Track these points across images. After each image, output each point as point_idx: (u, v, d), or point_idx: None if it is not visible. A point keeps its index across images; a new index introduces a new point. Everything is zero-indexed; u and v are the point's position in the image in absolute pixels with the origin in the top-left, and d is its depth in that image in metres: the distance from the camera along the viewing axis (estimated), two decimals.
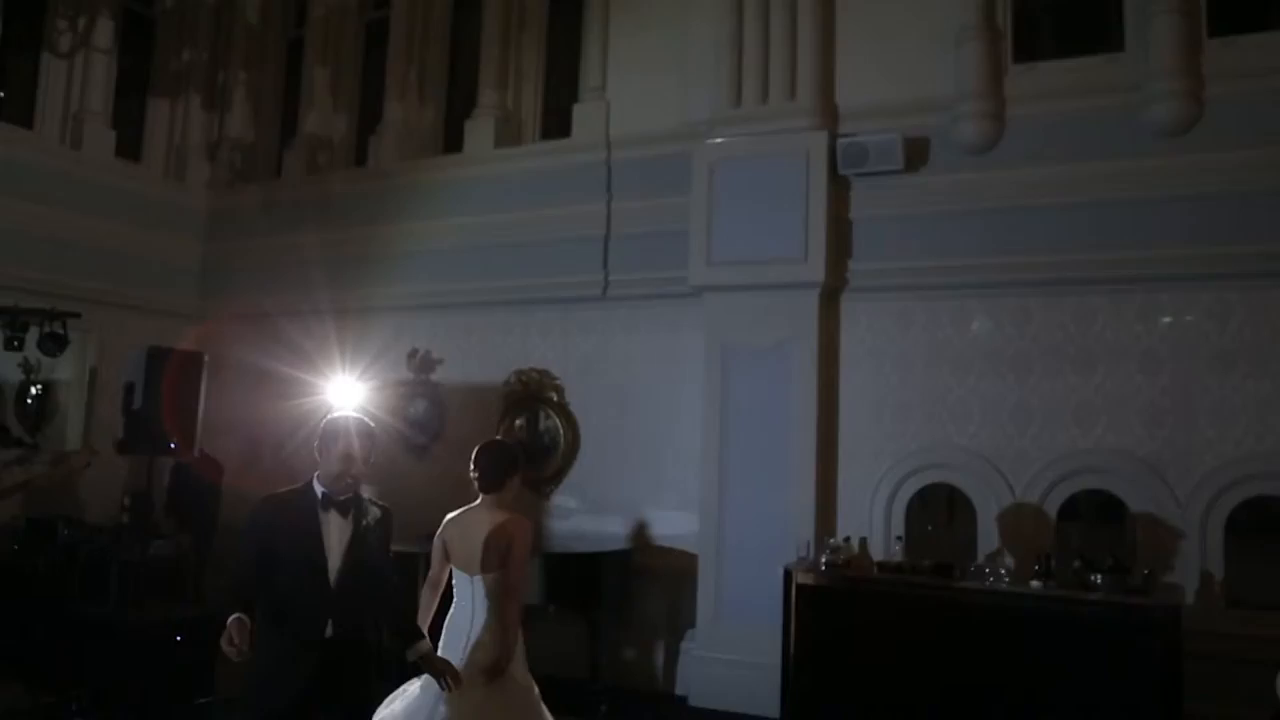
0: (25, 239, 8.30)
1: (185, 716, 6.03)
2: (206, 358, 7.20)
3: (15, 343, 7.65)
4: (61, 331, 7.76)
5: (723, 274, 7.06)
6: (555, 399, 7.93)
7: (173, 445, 6.88)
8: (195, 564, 8.17)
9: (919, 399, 6.71)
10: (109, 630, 6.43)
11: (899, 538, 6.17)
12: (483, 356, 8.34)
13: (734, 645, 6.71)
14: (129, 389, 6.76)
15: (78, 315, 7.89)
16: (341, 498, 3.67)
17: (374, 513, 3.76)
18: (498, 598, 4.08)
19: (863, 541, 5.80)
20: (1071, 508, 6.22)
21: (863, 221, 6.91)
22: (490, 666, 3.99)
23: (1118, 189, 6.18)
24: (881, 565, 5.80)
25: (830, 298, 6.94)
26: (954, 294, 6.64)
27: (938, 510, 6.59)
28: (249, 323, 9.53)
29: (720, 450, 6.97)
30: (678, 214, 7.33)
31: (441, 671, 3.72)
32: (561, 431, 7.87)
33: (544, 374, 8.00)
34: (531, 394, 8.01)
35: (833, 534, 6.33)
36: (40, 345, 7.77)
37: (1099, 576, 5.29)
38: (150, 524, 7.34)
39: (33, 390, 10.39)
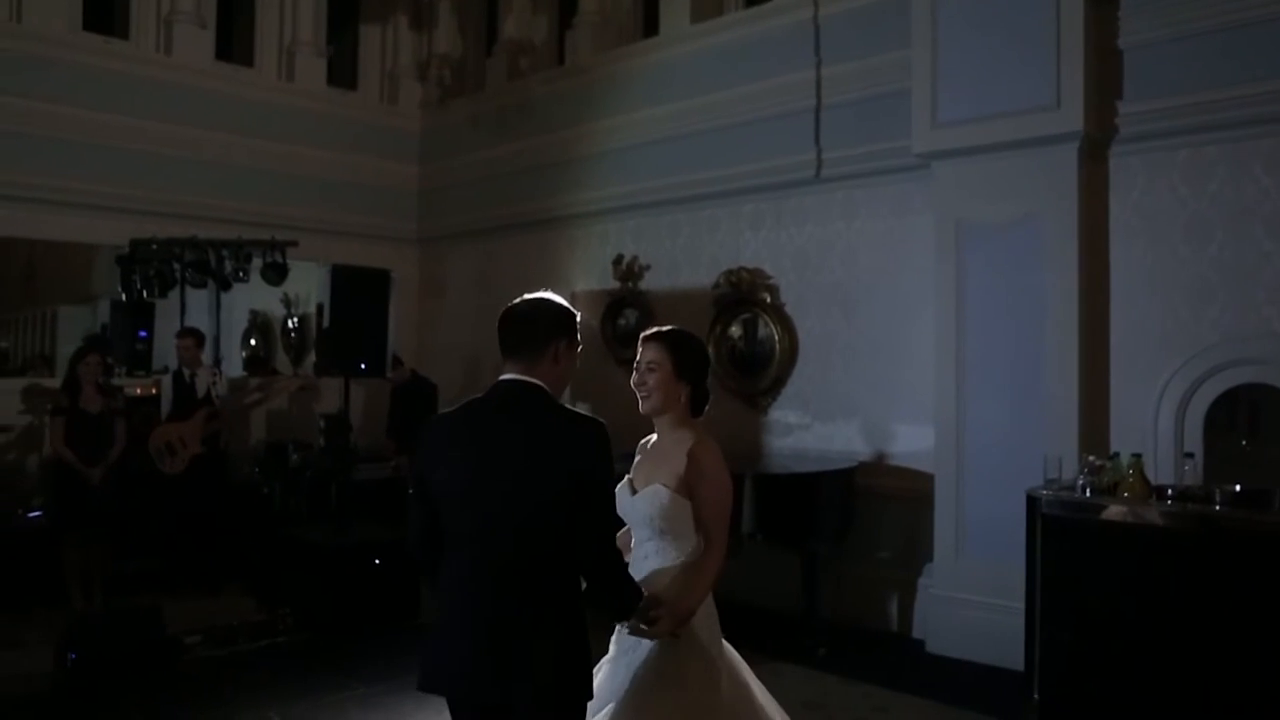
0: (245, 173, 8.51)
1: (388, 639, 5.89)
2: (394, 275, 6.98)
3: (241, 274, 7.85)
4: (281, 260, 7.87)
5: (952, 136, 5.75)
6: (768, 300, 6.99)
7: (363, 366, 6.75)
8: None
9: (1222, 275, 5.13)
10: (318, 551, 6.45)
11: (1188, 455, 4.74)
12: (690, 258, 7.56)
13: (979, 584, 5.60)
14: (318, 310, 6.67)
15: (295, 244, 7.96)
16: None
17: None
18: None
19: (1136, 460, 4.47)
20: None
21: (1136, 49, 5.33)
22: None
23: None
24: (1163, 491, 4.44)
25: (1093, 153, 5.45)
26: (1272, 130, 4.96)
27: (1243, 421, 5.04)
28: (463, 242, 9.38)
29: (957, 350, 5.77)
30: (897, 71, 6.09)
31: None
32: (776, 337, 6.94)
33: (755, 273, 7.08)
34: (743, 296, 7.13)
35: (1103, 450, 5.00)
36: (263, 275, 7.94)
37: None
38: (351, 447, 7.30)
39: (289, 324, 10.97)
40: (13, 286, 12.33)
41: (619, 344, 7.94)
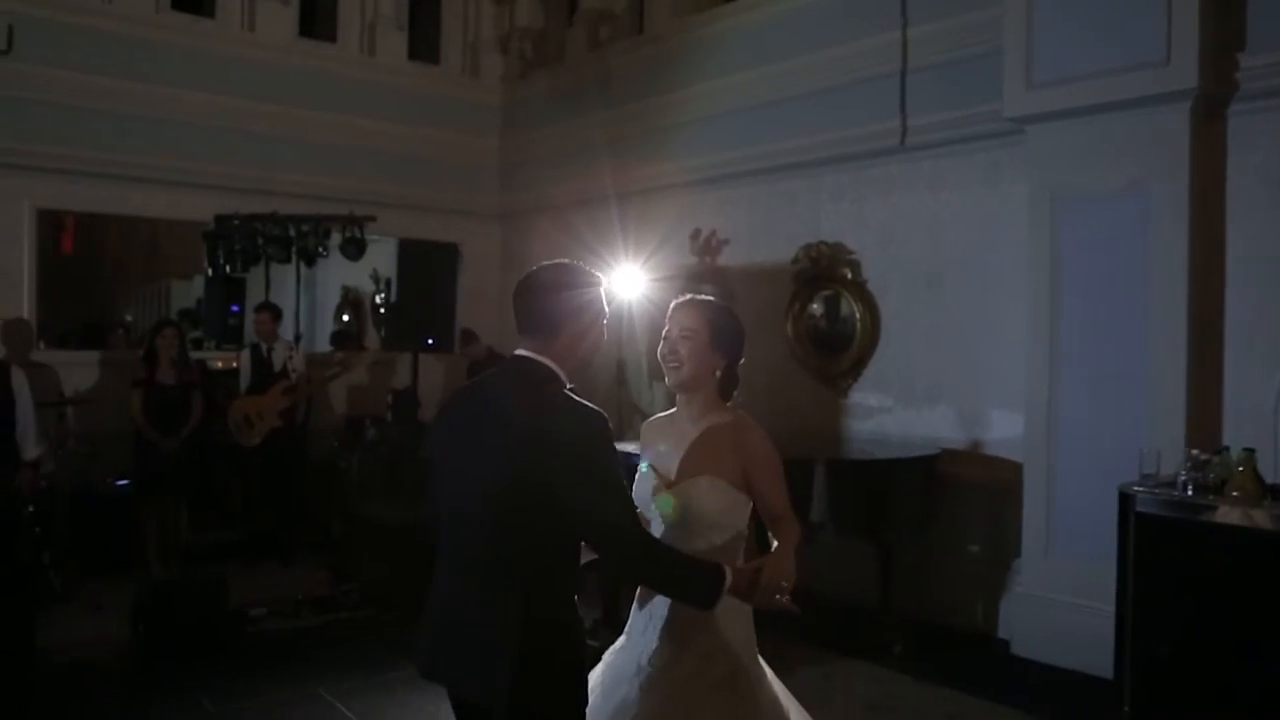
0: (327, 148, 8.53)
1: None
2: (462, 249, 6.87)
3: (320, 249, 7.88)
4: (359, 235, 7.87)
5: (1049, 98, 5.28)
6: (849, 276, 6.63)
7: (430, 341, 6.67)
8: None
9: None
10: (383, 528, 6.43)
11: None
12: (770, 233, 7.23)
13: (1070, 583, 5.18)
14: (386, 285, 6.62)
15: (373, 219, 7.94)
16: None
17: None
18: None
19: (1249, 456, 4.00)
20: None
21: None
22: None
23: None
24: (1278, 491, 3.97)
25: (1209, 112, 4.92)
26: None
27: None
28: (543, 216, 9.24)
29: (1052, 331, 5.33)
30: (988, 30, 5.63)
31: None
32: (857, 315, 6.58)
33: (835, 247, 6.71)
34: (822, 272, 6.78)
35: (1212, 445, 4.52)
36: (341, 250, 7.94)
37: None
38: (420, 422, 7.25)
39: (377, 299, 11.06)
40: (137, 262, 12.82)
41: None
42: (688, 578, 2.33)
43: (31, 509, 6.28)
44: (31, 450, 5.83)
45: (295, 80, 8.42)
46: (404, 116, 8.95)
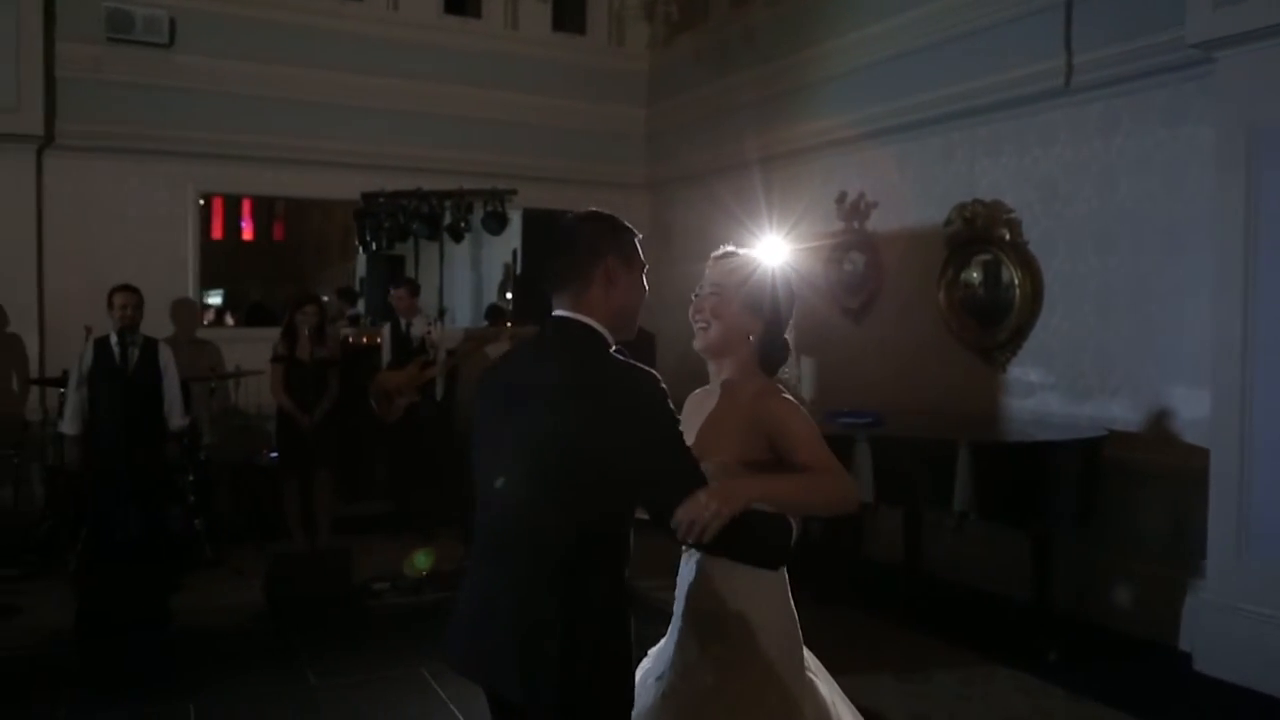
0: (470, 124, 8.52)
1: None
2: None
3: (463, 224, 7.89)
4: (501, 209, 7.82)
5: (1244, 16, 4.43)
6: (1007, 237, 5.93)
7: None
8: None
9: None
10: None
11: None
12: (920, 193, 6.61)
13: (1268, 593, 4.40)
14: (513, 256, 6.48)
15: (514, 193, 7.89)
16: None
17: None
18: None
19: None
20: None
21: None
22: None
23: None
24: None
25: None
26: None
27: None
28: (689, 185, 8.92)
29: (1245, 295, 4.52)
30: None
31: None
32: (1016, 280, 5.88)
33: (992, 206, 6.03)
34: (977, 234, 6.11)
35: None
36: (484, 224, 7.93)
37: None
38: None
39: (517, 273, 11.08)
40: (335, 242, 13.45)
41: (845, 292, 7.17)
42: (754, 535, 2.04)
43: (191, 478, 6.62)
44: (177, 421, 6.11)
45: (439, 57, 8.45)
46: (548, 88, 8.83)
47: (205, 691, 4.39)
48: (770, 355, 2.28)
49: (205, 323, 8.60)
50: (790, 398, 2.21)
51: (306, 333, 6.53)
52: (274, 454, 7.31)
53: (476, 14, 8.94)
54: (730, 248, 2.34)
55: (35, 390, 7.12)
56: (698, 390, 2.46)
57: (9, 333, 7.08)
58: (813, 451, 2.13)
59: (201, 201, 8.09)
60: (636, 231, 2.19)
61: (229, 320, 11.38)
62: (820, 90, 7.28)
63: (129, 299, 5.90)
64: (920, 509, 5.66)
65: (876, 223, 6.94)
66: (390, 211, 7.87)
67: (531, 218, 6.51)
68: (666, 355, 8.76)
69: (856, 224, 7.05)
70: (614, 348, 2.08)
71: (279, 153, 7.89)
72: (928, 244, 6.42)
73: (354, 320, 9.80)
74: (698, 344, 2.30)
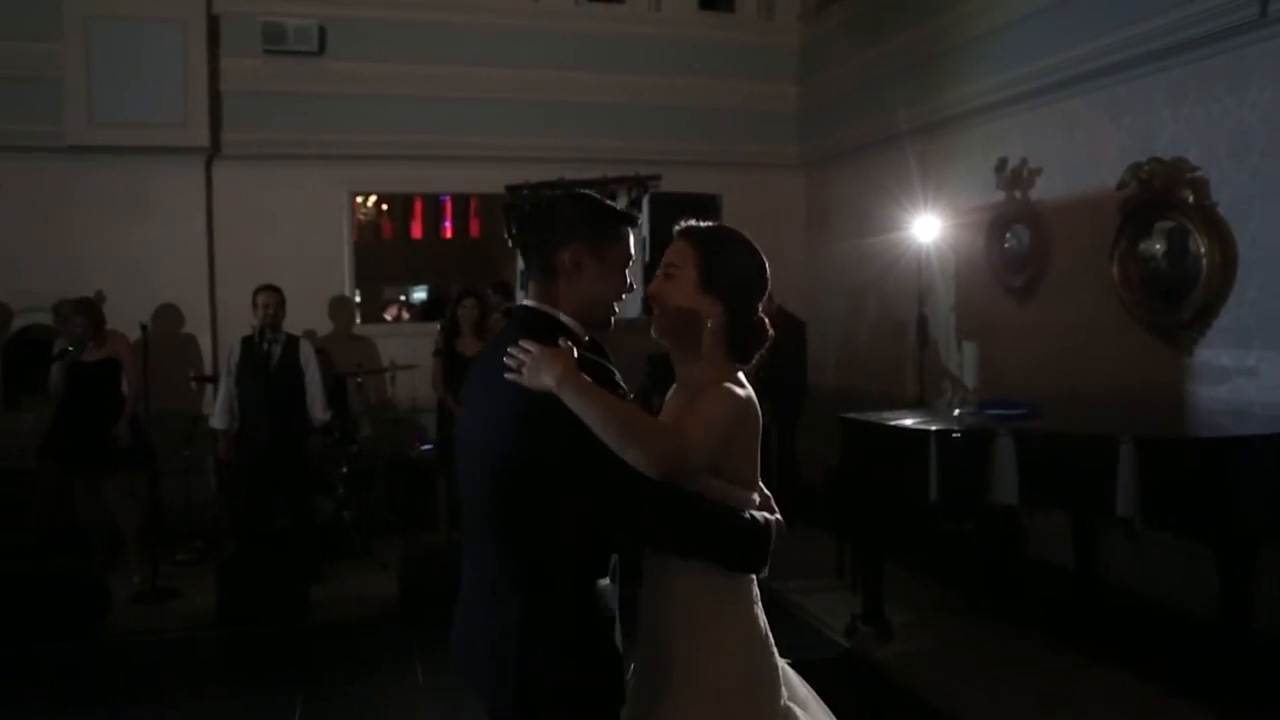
0: (612, 110, 8.40)
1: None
2: (722, 198, 6.33)
3: None
4: (644, 196, 7.64)
5: None
6: (1190, 200, 5.15)
7: None
8: (777, 435, 7.50)
9: None
10: None
11: None
12: (1090, 155, 5.88)
13: None
14: (642, 245, 6.27)
15: (658, 178, 7.69)
16: None
17: None
18: None
19: None
20: None
21: None
22: None
23: None
24: None
25: None
26: None
27: None
28: (842, 164, 8.42)
29: None
30: None
31: None
32: (1203, 249, 5.09)
33: (1173, 165, 5.25)
34: (1155, 197, 5.34)
35: None
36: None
37: None
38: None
39: (646, 261, 10.85)
40: None
41: (1007, 270, 6.52)
42: (721, 532, 1.89)
43: (344, 470, 6.83)
44: (319, 415, 6.28)
45: (580, 44, 8.37)
46: (695, 69, 8.56)
47: (318, 685, 4.45)
48: (740, 341, 1.98)
49: (389, 317, 8.87)
50: (738, 390, 1.90)
51: (469, 326, 6.57)
52: (425, 447, 7.45)
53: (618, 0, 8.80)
54: (692, 222, 2.04)
55: (209, 387, 7.56)
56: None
57: (184, 333, 7.57)
58: (688, 421, 1.85)
59: (384, 206, 8.37)
60: (632, 219, 2.03)
61: (405, 315, 11.83)
62: (977, 49, 6.64)
63: (270, 298, 6.12)
64: (1077, 513, 5.02)
65: (1041, 191, 6.25)
66: (535, 203, 7.86)
67: (664, 203, 6.28)
68: (825, 343, 8.37)
69: (1018, 193, 6.38)
70: (586, 340, 1.95)
71: (425, 150, 8.03)
72: (1098, 212, 5.70)
73: (507, 313, 9.90)
74: (654, 330, 2.03)
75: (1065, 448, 4.34)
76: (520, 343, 1.82)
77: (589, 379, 1.78)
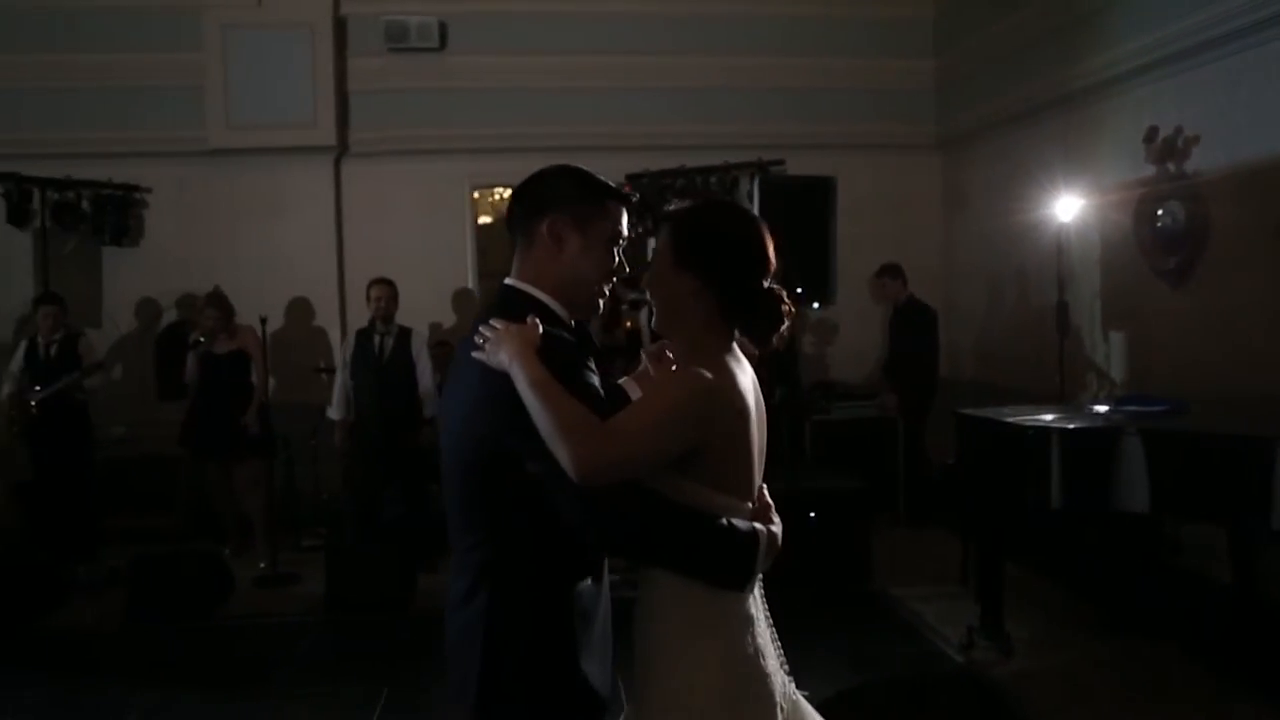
0: (734, 93, 8.16)
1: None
2: (837, 181, 6.00)
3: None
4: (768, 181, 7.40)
5: None
6: None
7: (799, 290, 5.93)
8: (904, 430, 7.11)
9: None
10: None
11: None
12: (1257, 118, 5.20)
13: None
14: None
15: (781, 163, 7.51)
16: None
17: None
18: None
19: None
20: None
21: None
22: None
23: None
24: None
25: None
26: None
27: None
28: (981, 143, 7.90)
29: None
30: None
31: None
32: None
33: None
34: None
35: None
36: (749, 198, 7.56)
37: None
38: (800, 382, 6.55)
39: None
40: None
41: (1159, 251, 5.90)
42: (685, 546, 1.71)
43: None
44: (430, 407, 6.36)
45: (701, 28, 8.16)
46: (821, 48, 8.21)
47: (398, 679, 4.44)
48: (738, 316, 1.77)
49: None
50: (705, 375, 1.68)
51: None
52: None
53: None
54: (685, 202, 1.86)
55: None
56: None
57: (315, 326, 7.84)
58: (632, 411, 1.67)
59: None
60: (624, 196, 1.89)
61: None
62: (1124, 6, 6.04)
63: (383, 291, 6.23)
64: (1222, 524, 4.45)
65: (1198, 162, 5.60)
66: (656, 191, 7.74)
67: (773, 188, 6.01)
68: (962, 334, 7.87)
69: (1172, 166, 5.74)
70: (572, 324, 1.83)
71: (545, 141, 7.92)
72: (1266, 184, 5.06)
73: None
74: (653, 325, 1.88)
75: (1208, 450, 3.83)
76: (490, 320, 1.71)
77: (539, 362, 1.61)
